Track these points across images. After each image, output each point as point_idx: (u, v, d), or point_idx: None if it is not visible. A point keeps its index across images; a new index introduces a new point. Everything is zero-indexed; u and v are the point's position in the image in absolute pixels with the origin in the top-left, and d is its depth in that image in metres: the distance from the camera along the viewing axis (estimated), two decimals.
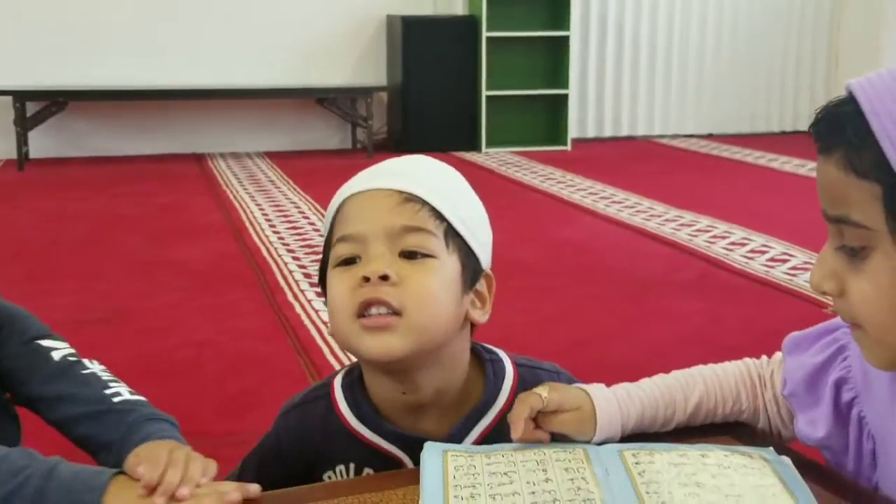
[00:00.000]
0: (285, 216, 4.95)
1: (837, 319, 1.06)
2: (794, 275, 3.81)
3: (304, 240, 4.41)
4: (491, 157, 7.01)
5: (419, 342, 1.00)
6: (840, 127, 0.85)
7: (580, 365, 1.16)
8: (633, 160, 6.86)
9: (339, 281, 1.02)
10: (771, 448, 1.01)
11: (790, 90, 8.46)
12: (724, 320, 3.29)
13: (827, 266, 0.88)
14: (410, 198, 1.03)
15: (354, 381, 1.10)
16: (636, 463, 0.97)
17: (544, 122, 7.58)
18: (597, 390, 1.04)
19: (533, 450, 1.00)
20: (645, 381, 1.08)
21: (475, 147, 7.30)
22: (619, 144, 7.74)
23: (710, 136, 8.17)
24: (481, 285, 1.09)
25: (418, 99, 7.09)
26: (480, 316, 1.08)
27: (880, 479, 0.97)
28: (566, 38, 7.38)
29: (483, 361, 1.12)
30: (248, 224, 4.75)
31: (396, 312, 0.99)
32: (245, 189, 5.69)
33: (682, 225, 4.69)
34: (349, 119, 7.34)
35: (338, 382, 1.12)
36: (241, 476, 1.12)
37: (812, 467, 0.98)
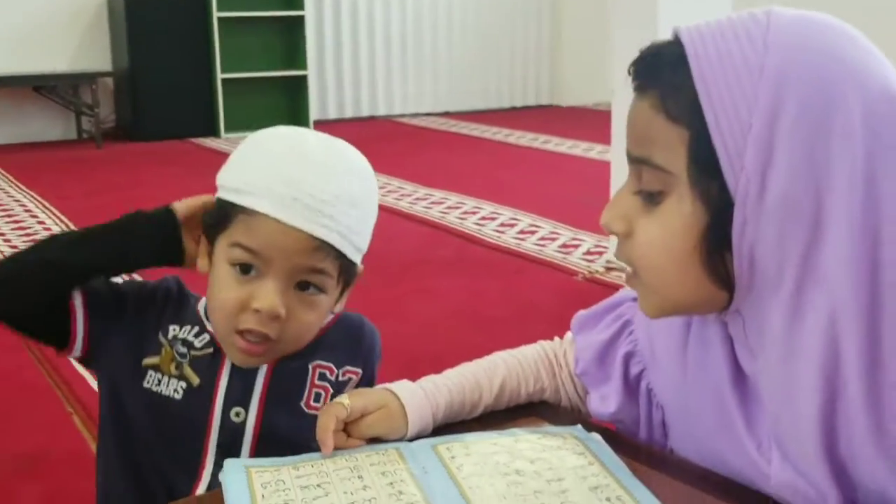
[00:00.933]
0: (9, 215, 4.55)
1: (621, 294, 1.07)
2: (543, 245, 3.94)
3: (33, 241, 4.07)
4: (231, 142, 6.79)
5: (280, 355, 1.09)
6: (659, 67, 0.83)
7: None
8: (376, 140, 6.86)
9: (229, 290, 1.04)
10: (579, 426, 1.00)
11: (519, 67, 8.79)
12: (485, 294, 3.35)
13: (620, 207, 0.86)
14: (323, 246, 1.03)
15: None
16: (452, 457, 0.93)
17: (284, 104, 7.44)
18: (401, 387, 1.00)
19: (344, 457, 0.93)
20: (448, 371, 1.05)
21: (213, 132, 7.06)
22: (361, 125, 7.73)
23: (447, 114, 8.35)
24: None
25: (149, 84, 6.75)
26: (339, 306, 1.13)
27: (673, 446, 0.99)
28: (301, 18, 7.28)
29: None
30: None
31: (271, 342, 1.05)
32: None
33: (433, 203, 4.75)
34: (72, 108, 6.87)
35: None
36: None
37: (611, 436, 0.99)
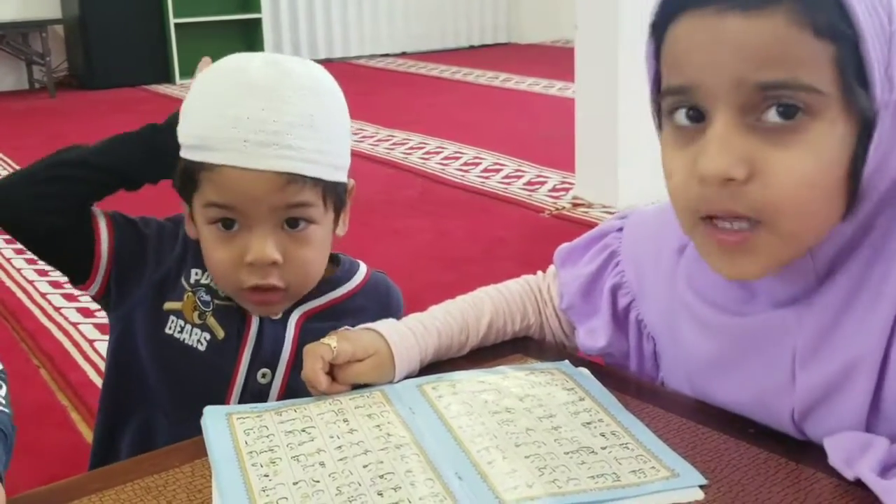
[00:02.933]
0: None
1: (605, 225, 1.04)
2: (508, 183, 3.92)
3: None
4: (186, 88, 6.62)
5: (300, 296, 1.06)
6: None
7: None
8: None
9: (220, 251, 1.00)
10: (566, 361, 0.99)
11: (476, 5, 8.68)
12: (450, 233, 3.33)
13: (734, 148, 0.72)
14: (294, 178, 0.97)
15: None
16: (439, 397, 0.91)
17: (239, 48, 7.27)
18: (389, 328, 0.97)
19: (327, 400, 0.91)
20: (435, 309, 1.02)
21: (168, 79, 6.92)
22: None
23: (404, 55, 8.24)
24: (346, 197, 1.07)
25: (100, 31, 6.58)
26: (341, 230, 1.08)
27: (664, 377, 0.97)
28: None
29: (336, 256, 1.14)
30: None
31: (282, 289, 1.01)
32: None
33: (395, 144, 4.70)
34: (23, 57, 6.69)
35: None
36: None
37: (599, 370, 0.97)
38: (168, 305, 1.07)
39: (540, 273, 1.10)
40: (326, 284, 1.09)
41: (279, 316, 1.07)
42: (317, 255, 1.03)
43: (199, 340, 1.06)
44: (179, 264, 1.08)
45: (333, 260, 1.12)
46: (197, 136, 0.98)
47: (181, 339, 1.06)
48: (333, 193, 1.02)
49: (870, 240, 0.77)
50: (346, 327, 0.98)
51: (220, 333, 1.06)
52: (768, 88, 0.71)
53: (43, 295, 2.80)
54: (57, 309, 2.68)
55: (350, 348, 0.93)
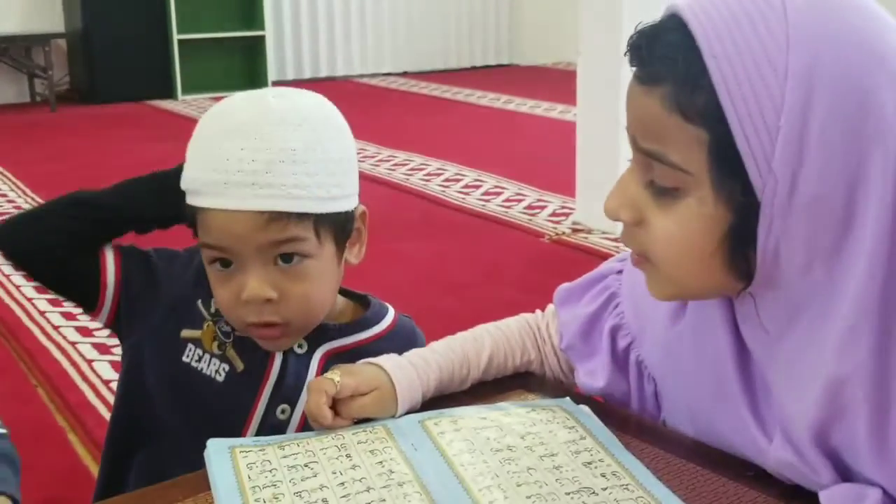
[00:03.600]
0: None
1: (605, 266, 1.05)
2: (509, 207, 3.93)
3: None
4: (188, 104, 6.68)
5: (308, 330, 1.05)
6: (669, 59, 0.75)
7: None
8: (336, 101, 6.56)
9: (221, 289, 1.01)
10: (567, 398, 0.99)
11: (479, 26, 8.72)
12: (451, 256, 3.34)
13: (628, 195, 0.81)
14: (274, 216, 0.96)
15: None
16: (441, 433, 0.91)
17: (242, 65, 7.33)
18: (391, 363, 0.97)
19: (330, 435, 0.92)
20: (436, 344, 1.03)
21: (171, 95, 6.94)
22: (320, 85, 7.62)
23: (406, 74, 8.27)
24: (357, 223, 1.06)
25: (103, 46, 6.60)
26: (356, 257, 1.08)
27: (666, 418, 0.97)
28: None
29: (363, 297, 1.14)
30: None
31: (280, 324, 1.00)
32: None
33: (397, 164, 4.71)
34: (25, 70, 6.71)
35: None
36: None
37: (599, 408, 0.98)
38: (186, 333, 1.07)
39: (538, 312, 1.11)
40: (354, 325, 1.09)
41: (304, 350, 1.06)
42: (316, 289, 1.01)
43: (217, 371, 1.05)
44: (195, 291, 1.08)
45: (363, 301, 1.13)
46: (190, 180, 0.99)
47: (198, 369, 1.06)
48: (329, 224, 1.00)
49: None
50: (348, 364, 0.98)
51: (240, 365, 1.05)
52: (647, 155, 0.79)
53: (42, 313, 2.80)
54: (56, 328, 2.68)
55: (353, 382, 0.94)
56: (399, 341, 1.07)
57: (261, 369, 1.05)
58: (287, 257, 0.98)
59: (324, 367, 1.06)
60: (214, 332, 1.06)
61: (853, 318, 0.74)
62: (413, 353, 1.00)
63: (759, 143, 0.73)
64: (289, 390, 1.05)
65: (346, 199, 1.01)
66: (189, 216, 1.02)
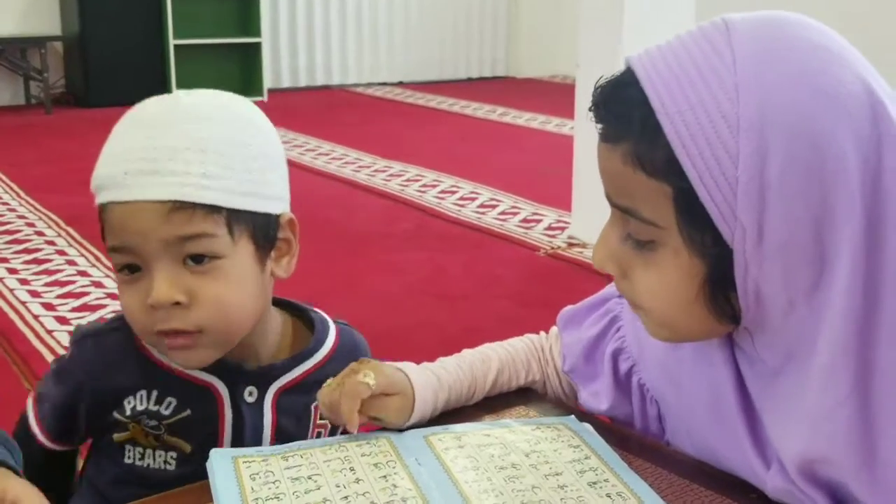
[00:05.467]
0: None
1: (608, 290, 1.05)
2: (504, 220, 3.93)
3: None
4: None
5: (227, 345, 0.95)
6: (626, 118, 0.77)
7: None
8: (332, 110, 6.80)
9: (127, 295, 0.93)
10: (572, 416, 0.99)
11: (475, 37, 8.74)
12: (446, 268, 3.33)
13: (610, 249, 0.83)
14: (178, 206, 0.88)
15: None
16: (445, 449, 0.91)
17: (237, 72, 7.32)
18: (416, 374, 0.97)
19: (333, 446, 0.91)
20: (447, 362, 1.02)
21: None
22: (315, 94, 7.64)
23: (401, 84, 8.28)
24: (283, 232, 0.97)
25: (100, 49, 6.59)
26: (285, 271, 0.99)
27: (670, 440, 0.98)
28: None
29: (305, 310, 1.06)
30: None
31: (192, 332, 0.92)
32: None
33: (392, 175, 4.71)
34: (20, 72, 6.69)
35: None
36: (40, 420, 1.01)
37: (602, 427, 0.98)
38: (117, 437, 0.98)
39: (543, 333, 1.11)
40: (298, 358, 1.01)
41: (254, 398, 0.98)
42: (231, 293, 0.92)
43: (165, 461, 0.98)
44: (97, 398, 0.98)
45: (303, 316, 1.06)
46: (94, 178, 0.92)
47: (144, 466, 0.98)
48: (245, 224, 0.92)
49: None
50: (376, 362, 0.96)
51: (187, 448, 0.97)
52: (622, 211, 0.81)
53: (36, 317, 2.79)
54: (49, 332, 2.67)
55: (385, 383, 0.93)
56: (344, 360, 0.99)
57: (211, 438, 0.97)
58: (198, 258, 0.90)
59: (276, 406, 0.99)
60: (143, 430, 0.97)
61: (832, 354, 0.75)
62: (426, 369, 1.00)
63: (721, 194, 0.74)
64: (249, 443, 0.98)
65: (266, 200, 0.94)
66: (101, 224, 0.94)
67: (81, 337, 1.01)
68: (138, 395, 0.97)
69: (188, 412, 0.97)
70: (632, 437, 0.98)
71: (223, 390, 0.98)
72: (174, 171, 0.88)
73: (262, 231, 0.94)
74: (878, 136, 0.73)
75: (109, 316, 1.10)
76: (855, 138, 0.73)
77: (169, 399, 0.97)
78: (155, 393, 0.97)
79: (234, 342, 0.95)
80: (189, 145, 0.89)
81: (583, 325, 1.04)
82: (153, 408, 0.97)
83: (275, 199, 0.96)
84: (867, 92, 0.74)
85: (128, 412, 0.97)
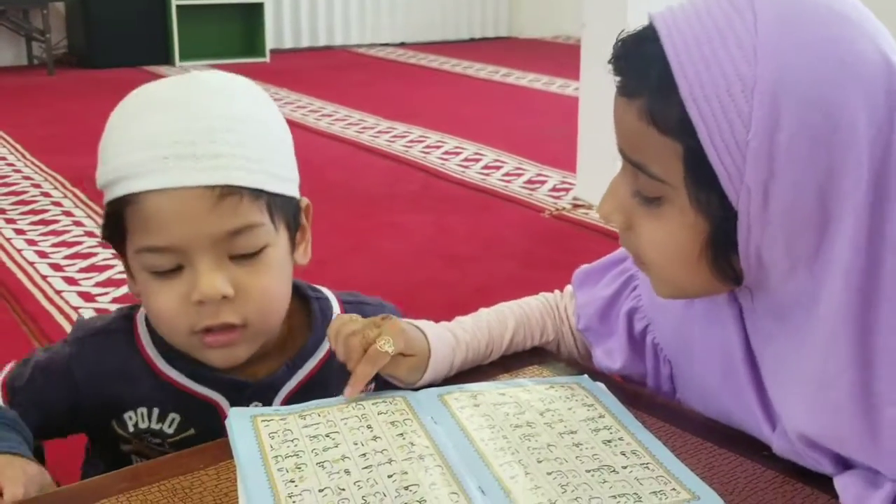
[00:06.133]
0: None
1: (621, 251, 1.06)
2: (508, 181, 3.93)
3: None
4: (186, 70, 6.61)
5: (264, 338, 0.94)
6: (644, 72, 0.77)
7: (323, 284, 1.07)
8: (334, 71, 6.76)
9: (163, 294, 0.88)
10: (585, 376, 1.00)
11: None
12: (452, 229, 3.33)
13: (618, 200, 0.84)
14: (226, 192, 0.84)
15: None
16: (461, 408, 0.92)
17: (240, 32, 7.28)
18: (433, 334, 0.97)
19: (350, 404, 0.92)
20: (465, 322, 1.03)
21: (168, 61, 6.90)
22: (318, 55, 7.60)
23: (403, 45, 8.23)
24: (302, 217, 0.97)
25: (101, 10, 6.54)
26: (303, 257, 0.98)
27: (681, 400, 0.99)
28: None
29: (309, 300, 1.02)
30: None
31: (239, 326, 0.90)
32: None
33: (396, 136, 4.70)
34: (22, 32, 6.65)
35: (141, 318, 0.97)
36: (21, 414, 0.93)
37: (615, 385, 0.99)
38: (124, 448, 0.97)
39: (557, 292, 1.12)
40: (299, 359, 0.99)
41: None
42: (277, 284, 0.90)
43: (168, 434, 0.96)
44: (95, 411, 0.95)
45: (307, 311, 1.01)
46: (113, 170, 0.86)
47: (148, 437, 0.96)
48: (281, 210, 0.90)
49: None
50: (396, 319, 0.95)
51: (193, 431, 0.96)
52: (634, 166, 0.81)
53: (44, 277, 2.80)
54: (58, 292, 2.68)
55: (402, 345, 0.93)
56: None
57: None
58: (243, 254, 0.88)
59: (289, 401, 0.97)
60: (147, 444, 0.96)
61: (833, 320, 0.75)
62: (444, 329, 1.00)
63: (730, 157, 0.74)
64: None
65: (292, 183, 0.93)
66: (112, 217, 0.89)
67: (81, 336, 0.98)
68: (139, 412, 0.95)
69: (192, 431, 0.96)
70: (644, 396, 0.99)
71: (227, 407, 0.95)
72: (217, 154, 0.84)
73: (291, 217, 0.93)
74: (892, 106, 0.74)
75: (113, 308, 1.06)
76: (869, 108, 0.73)
77: (172, 416, 0.96)
78: (156, 411, 0.95)
79: (271, 335, 0.94)
80: (223, 125, 0.85)
81: (598, 284, 1.05)
82: (156, 426, 0.95)
83: (297, 182, 0.94)
84: (885, 63, 0.74)
85: (130, 429, 0.96)
